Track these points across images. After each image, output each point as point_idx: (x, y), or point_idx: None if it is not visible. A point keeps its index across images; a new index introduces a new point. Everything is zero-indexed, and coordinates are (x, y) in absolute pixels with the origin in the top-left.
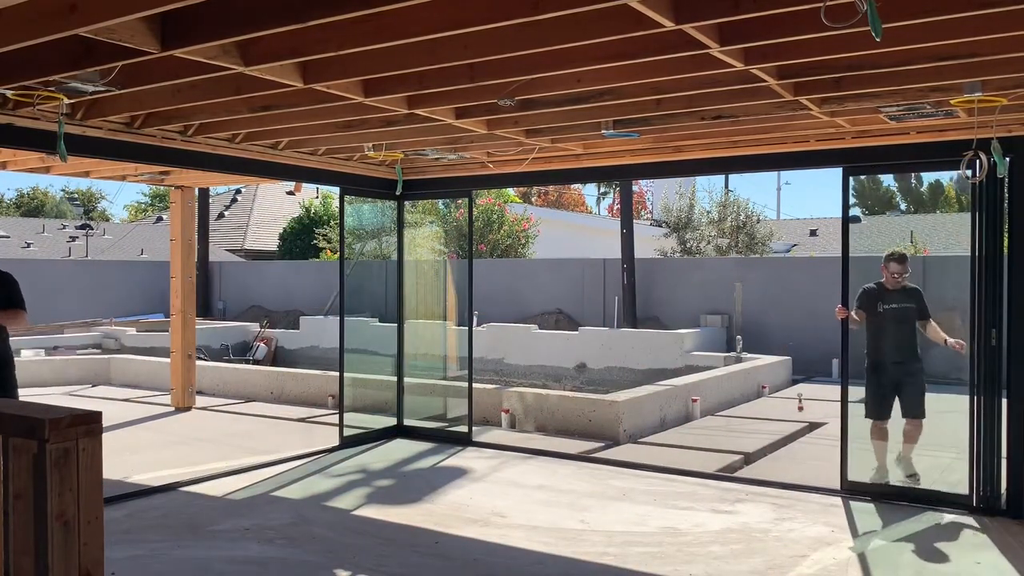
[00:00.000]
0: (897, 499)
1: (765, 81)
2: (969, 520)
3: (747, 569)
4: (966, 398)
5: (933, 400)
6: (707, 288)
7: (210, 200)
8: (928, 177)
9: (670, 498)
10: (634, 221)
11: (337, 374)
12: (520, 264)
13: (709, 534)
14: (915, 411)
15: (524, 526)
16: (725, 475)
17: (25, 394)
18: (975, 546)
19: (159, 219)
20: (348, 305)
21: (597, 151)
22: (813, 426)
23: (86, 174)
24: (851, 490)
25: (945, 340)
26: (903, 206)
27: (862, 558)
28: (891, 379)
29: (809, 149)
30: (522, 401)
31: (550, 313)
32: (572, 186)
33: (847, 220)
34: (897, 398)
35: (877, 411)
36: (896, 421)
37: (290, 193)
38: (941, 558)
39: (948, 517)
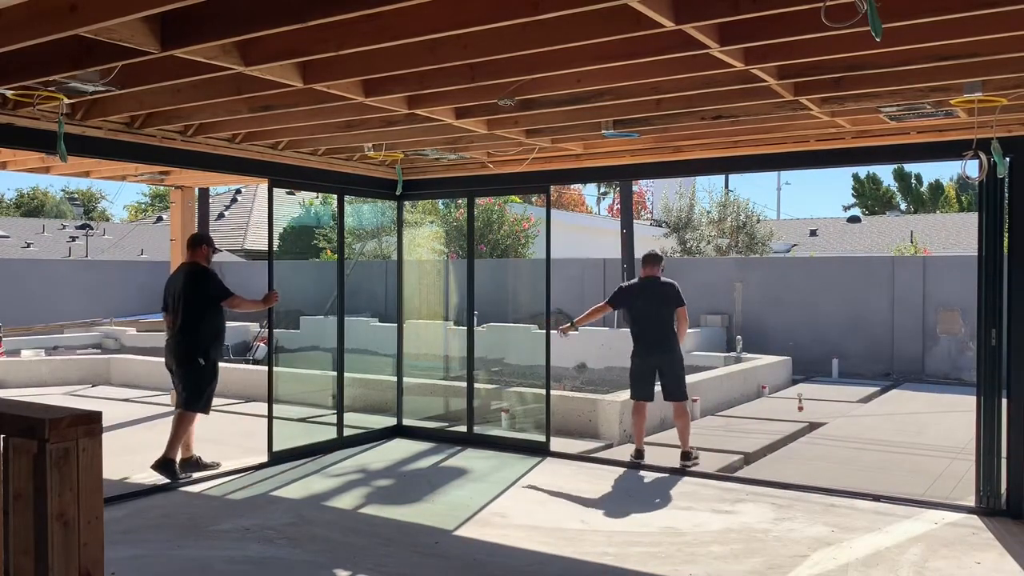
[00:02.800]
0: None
1: (765, 81)
2: (969, 520)
3: (747, 569)
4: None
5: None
6: (707, 288)
7: (210, 200)
8: (928, 177)
9: (669, 498)
10: (634, 221)
11: (336, 374)
12: (520, 264)
13: (709, 534)
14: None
15: (524, 526)
16: (725, 475)
17: (25, 394)
18: (975, 546)
19: (159, 219)
20: (348, 305)
21: (597, 151)
22: (813, 426)
23: (86, 174)
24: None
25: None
26: (903, 206)
27: (862, 559)
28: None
29: (809, 149)
30: (522, 401)
31: (550, 313)
32: (572, 186)
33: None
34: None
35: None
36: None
37: (290, 193)
38: (941, 558)
39: (949, 517)
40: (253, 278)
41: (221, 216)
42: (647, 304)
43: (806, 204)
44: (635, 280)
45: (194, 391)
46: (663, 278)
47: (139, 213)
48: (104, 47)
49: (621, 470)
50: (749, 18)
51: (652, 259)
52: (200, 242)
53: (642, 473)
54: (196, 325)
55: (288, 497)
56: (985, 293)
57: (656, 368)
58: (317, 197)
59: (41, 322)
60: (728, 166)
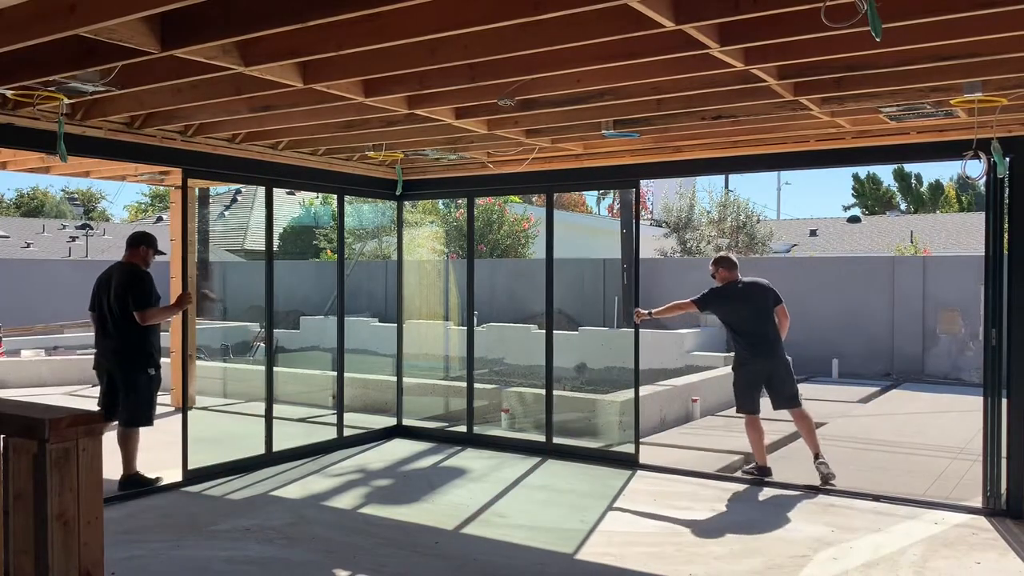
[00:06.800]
0: None
1: (765, 81)
2: (969, 520)
3: (747, 569)
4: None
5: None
6: (707, 288)
7: (210, 200)
8: (928, 177)
9: (670, 498)
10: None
11: (336, 374)
12: (520, 264)
13: (709, 534)
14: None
15: (524, 526)
16: (725, 475)
17: (25, 394)
18: (975, 546)
19: (159, 219)
20: (348, 305)
21: (597, 151)
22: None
23: (86, 174)
24: None
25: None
26: (903, 206)
27: (862, 559)
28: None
29: (809, 149)
30: (522, 401)
31: (551, 313)
32: None
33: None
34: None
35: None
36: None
37: (290, 193)
38: (942, 558)
39: (949, 517)
40: (253, 278)
41: (221, 216)
42: (747, 306)
43: (806, 204)
44: (726, 284)
45: (143, 404)
46: (752, 278)
47: (139, 213)
48: (104, 47)
49: (621, 470)
50: (749, 18)
51: (728, 263)
52: (139, 242)
53: (641, 473)
54: (140, 330)
55: (288, 497)
56: (992, 293)
57: (767, 374)
58: (317, 197)
59: (41, 322)
60: (728, 166)
